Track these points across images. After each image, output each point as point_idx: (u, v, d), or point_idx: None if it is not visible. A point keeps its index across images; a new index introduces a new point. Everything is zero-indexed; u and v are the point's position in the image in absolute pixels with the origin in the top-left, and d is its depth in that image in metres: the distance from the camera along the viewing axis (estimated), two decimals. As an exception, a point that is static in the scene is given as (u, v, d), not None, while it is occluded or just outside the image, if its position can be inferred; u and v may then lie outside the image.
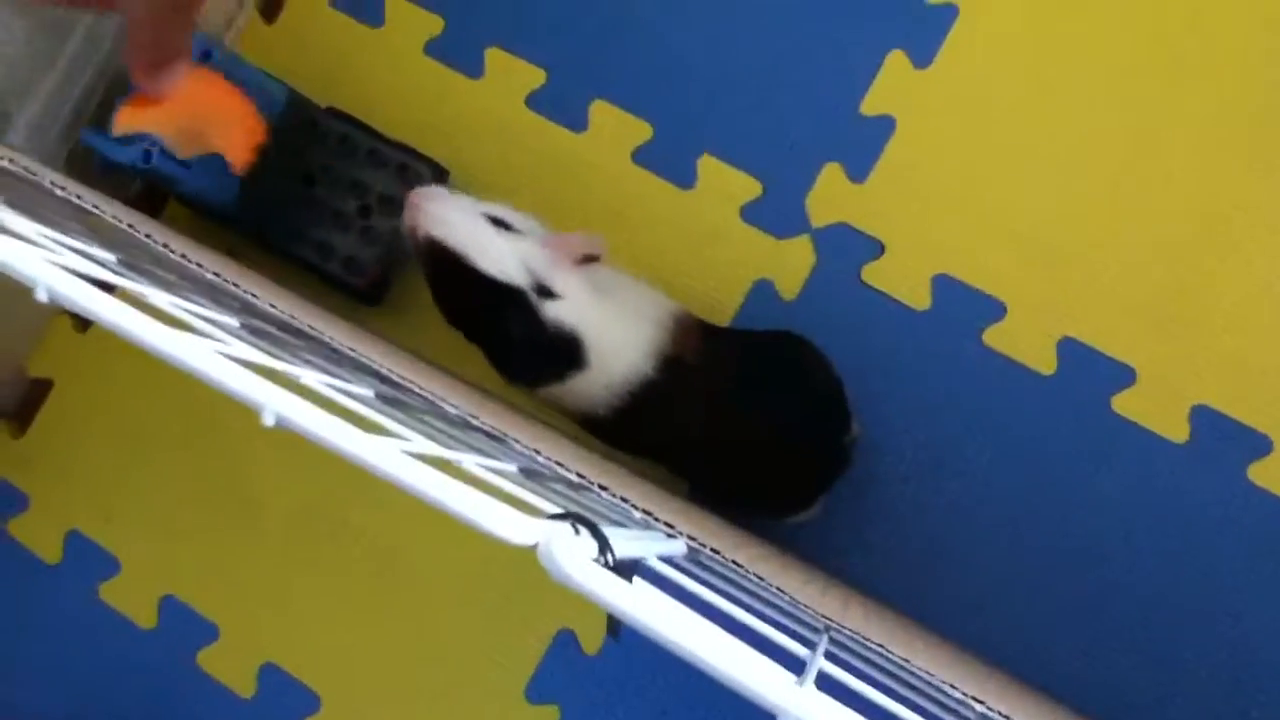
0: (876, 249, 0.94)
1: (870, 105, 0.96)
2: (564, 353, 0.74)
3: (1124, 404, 0.88)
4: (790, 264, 0.95)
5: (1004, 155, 0.93)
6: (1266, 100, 0.89)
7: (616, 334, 0.76)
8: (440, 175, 0.94)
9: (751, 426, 0.80)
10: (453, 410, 0.48)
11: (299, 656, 0.95)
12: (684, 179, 0.98)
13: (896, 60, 0.96)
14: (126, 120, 0.75)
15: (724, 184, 0.97)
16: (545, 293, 0.73)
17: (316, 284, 0.95)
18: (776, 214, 0.96)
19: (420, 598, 0.94)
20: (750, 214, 0.96)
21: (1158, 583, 0.85)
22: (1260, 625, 0.84)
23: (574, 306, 0.73)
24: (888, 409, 0.91)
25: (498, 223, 0.75)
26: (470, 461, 0.43)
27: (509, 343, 0.72)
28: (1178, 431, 0.87)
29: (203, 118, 0.77)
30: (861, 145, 0.95)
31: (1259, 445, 0.86)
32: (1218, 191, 0.89)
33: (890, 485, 0.90)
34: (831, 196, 0.95)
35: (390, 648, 0.93)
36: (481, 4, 1.03)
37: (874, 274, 0.93)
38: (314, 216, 0.92)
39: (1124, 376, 0.88)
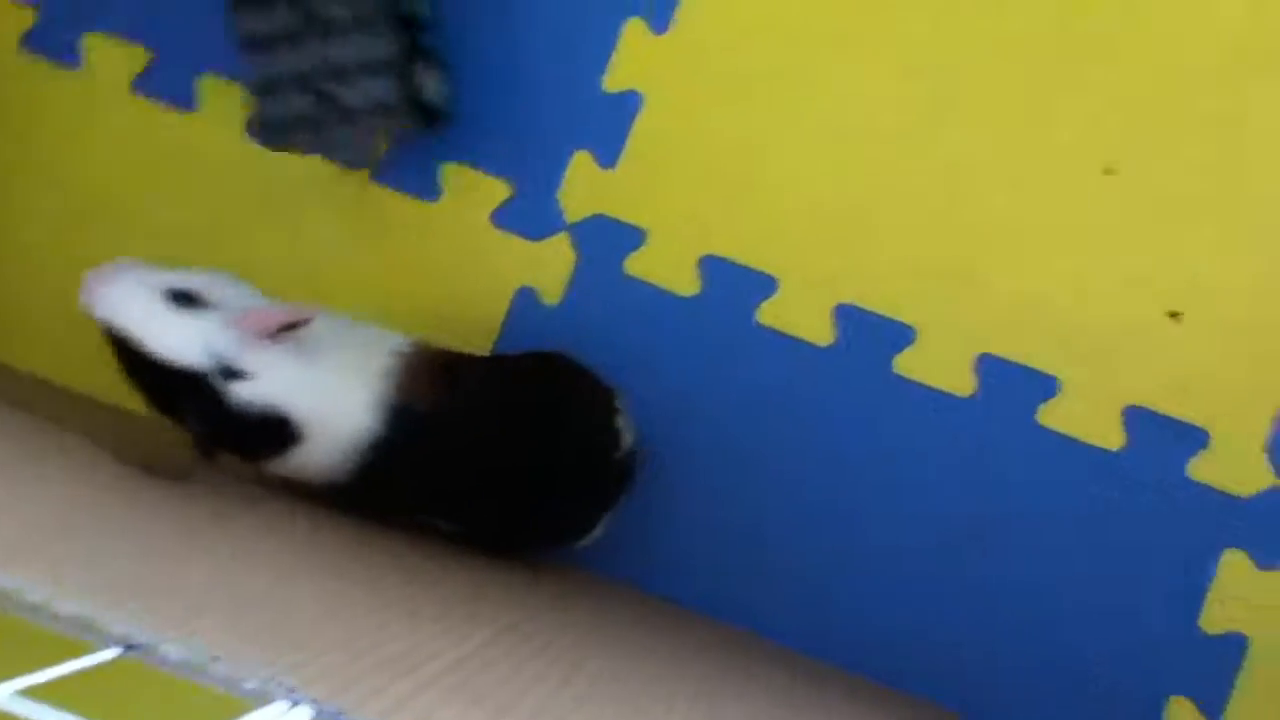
0: (638, 237, 0.88)
1: (612, 81, 0.89)
2: (265, 432, 0.67)
3: (907, 364, 0.84)
4: (550, 266, 0.89)
5: (759, 121, 0.88)
6: (1039, 48, 0.85)
7: (332, 399, 0.69)
8: None
9: (512, 461, 0.75)
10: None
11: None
12: (427, 191, 0.90)
13: (634, 28, 0.89)
14: None
15: (471, 190, 0.90)
16: (233, 374, 0.66)
17: None
18: (530, 215, 0.90)
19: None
20: (502, 218, 0.90)
21: (959, 536, 0.82)
22: (1059, 565, 0.81)
23: (270, 383, 0.67)
24: (667, 405, 0.86)
25: (182, 298, 0.68)
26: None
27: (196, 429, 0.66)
28: (963, 385, 0.83)
29: None
30: (608, 127, 0.89)
31: (1046, 387, 0.82)
32: (982, 143, 0.85)
33: (678, 487, 0.85)
34: (584, 187, 0.89)
35: None
36: None
37: (638, 264, 0.88)
38: None
39: (904, 336, 0.84)
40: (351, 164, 0.84)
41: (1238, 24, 0.82)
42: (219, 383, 0.65)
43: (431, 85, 0.83)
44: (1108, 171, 0.83)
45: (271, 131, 0.82)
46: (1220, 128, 0.82)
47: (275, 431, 0.68)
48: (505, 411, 0.76)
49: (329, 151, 0.83)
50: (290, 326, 0.68)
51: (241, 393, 0.66)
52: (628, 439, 0.81)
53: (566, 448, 0.77)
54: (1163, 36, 0.83)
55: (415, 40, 0.83)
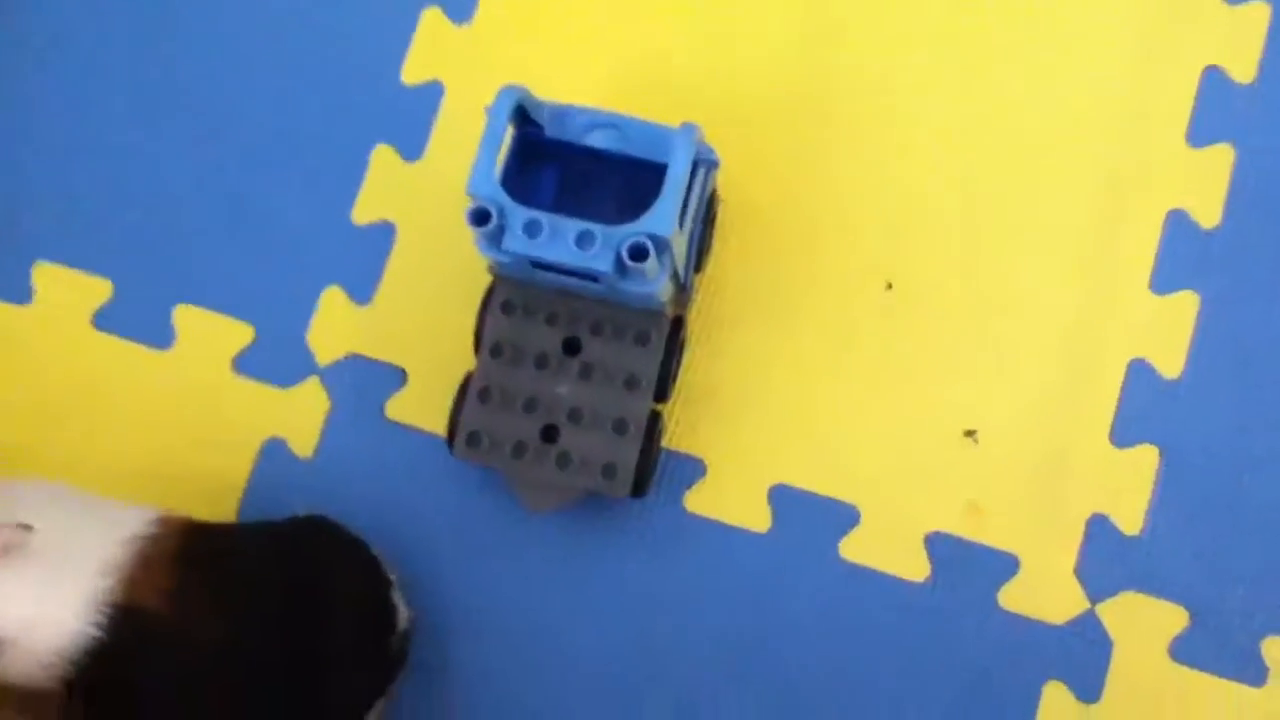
0: (398, 378, 0.80)
1: (362, 212, 0.82)
2: None
3: (697, 502, 0.77)
4: (301, 414, 0.80)
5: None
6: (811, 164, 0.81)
7: (30, 609, 0.59)
8: None
9: (266, 654, 0.65)
10: None
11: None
12: (159, 338, 0.81)
13: (383, 155, 0.82)
14: None
15: (209, 335, 0.81)
16: None
17: None
18: (276, 359, 0.81)
19: None
20: (245, 364, 0.80)
21: (759, 687, 0.74)
22: (873, 711, 0.74)
23: None
24: (437, 563, 0.77)
25: None
26: None
27: None
28: (759, 520, 0.76)
29: None
30: (360, 260, 0.81)
31: (846, 518, 0.76)
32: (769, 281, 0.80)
33: (458, 655, 0.76)
34: (336, 326, 0.81)
35: None
36: None
37: (399, 408, 0.79)
38: None
39: (695, 470, 0.77)
40: (530, 507, 0.72)
41: (1021, 157, 0.80)
42: None
43: (650, 463, 0.72)
44: (888, 287, 0.79)
45: (473, 441, 0.71)
46: (1000, 244, 0.79)
47: None
48: (256, 594, 0.66)
49: (519, 484, 0.72)
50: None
51: None
52: (403, 616, 0.71)
53: (332, 631, 0.67)
54: (944, 158, 0.80)
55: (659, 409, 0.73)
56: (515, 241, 0.62)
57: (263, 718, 0.66)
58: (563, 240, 0.62)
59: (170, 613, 0.63)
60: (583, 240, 0.62)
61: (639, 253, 0.61)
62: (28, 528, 0.59)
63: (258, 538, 0.73)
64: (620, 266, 0.62)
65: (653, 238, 0.61)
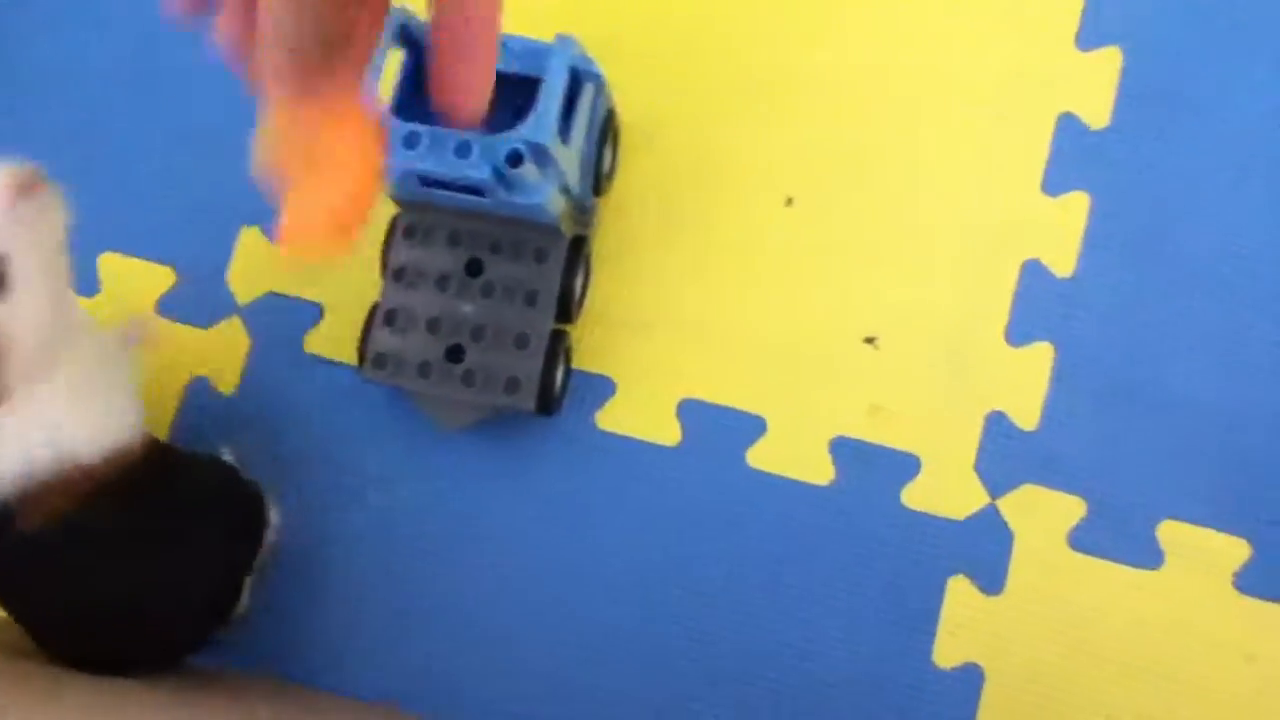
0: (315, 314, 0.82)
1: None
2: None
3: (608, 419, 0.79)
4: (223, 352, 0.82)
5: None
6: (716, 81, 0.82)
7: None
8: None
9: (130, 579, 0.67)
10: None
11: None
12: (84, 285, 0.83)
13: (297, 98, 0.84)
14: None
15: (132, 280, 0.83)
16: None
17: None
18: (197, 300, 0.83)
19: None
20: (168, 306, 0.83)
21: (669, 590, 0.76)
22: (781, 611, 0.75)
23: None
24: (356, 487, 0.79)
25: None
26: None
27: None
28: (669, 434, 0.78)
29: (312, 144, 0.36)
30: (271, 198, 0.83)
31: (753, 428, 0.78)
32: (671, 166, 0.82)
33: (376, 575, 0.78)
34: (254, 264, 0.83)
35: None
36: None
37: (317, 341, 0.81)
38: None
39: (605, 389, 0.79)
40: (441, 426, 0.77)
41: (911, 67, 0.82)
42: None
43: (561, 376, 0.76)
44: (788, 202, 0.80)
45: (379, 363, 0.73)
46: (894, 154, 0.80)
47: None
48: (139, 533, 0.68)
49: (428, 403, 0.76)
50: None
51: None
52: (244, 601, 0.76)
53: (194, 584, 0.71)
54: (838, 74, 0.82)
55: (566, 328, 0.76)
56: (397, 155, 0.64)
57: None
58: (442, 151, 0.64)
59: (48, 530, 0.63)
60: (461, 150, 0.63)
61: (515, 158, 0.63)
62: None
63: (180, 459, 0.74)
64: (499, 175, 0.64)
65: (530, 145, 0.63)
